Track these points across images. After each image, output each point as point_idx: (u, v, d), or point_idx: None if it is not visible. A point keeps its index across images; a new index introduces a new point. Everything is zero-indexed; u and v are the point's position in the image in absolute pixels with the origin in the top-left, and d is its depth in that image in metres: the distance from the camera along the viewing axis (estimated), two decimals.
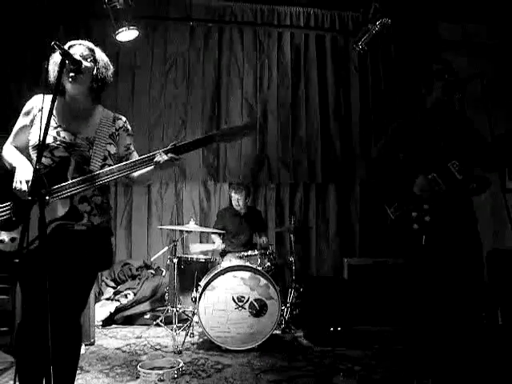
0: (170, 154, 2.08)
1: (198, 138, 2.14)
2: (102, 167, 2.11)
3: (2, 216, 2.00)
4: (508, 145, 2.53)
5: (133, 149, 2.35)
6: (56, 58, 2.05)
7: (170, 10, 5.41)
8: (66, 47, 2.06)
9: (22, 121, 2.17)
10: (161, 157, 2.07)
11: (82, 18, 5.11)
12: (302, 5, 5.64)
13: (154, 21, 5.38)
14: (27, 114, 2.15)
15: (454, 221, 2.58)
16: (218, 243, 4.90)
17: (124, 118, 2.34)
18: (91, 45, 2.20)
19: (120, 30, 4.46)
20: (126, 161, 2.16)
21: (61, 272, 1.98)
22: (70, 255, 2.04)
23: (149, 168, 2.16)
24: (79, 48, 2.13)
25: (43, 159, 2.02)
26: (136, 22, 4.52)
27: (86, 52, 2.13)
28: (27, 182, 1.94)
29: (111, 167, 2.10)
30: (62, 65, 1.87)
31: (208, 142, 2.14)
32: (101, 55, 2.21)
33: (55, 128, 2.09)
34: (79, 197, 2.06)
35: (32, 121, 2.13)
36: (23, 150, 2.15)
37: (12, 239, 1.98)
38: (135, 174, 2.23)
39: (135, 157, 2.28)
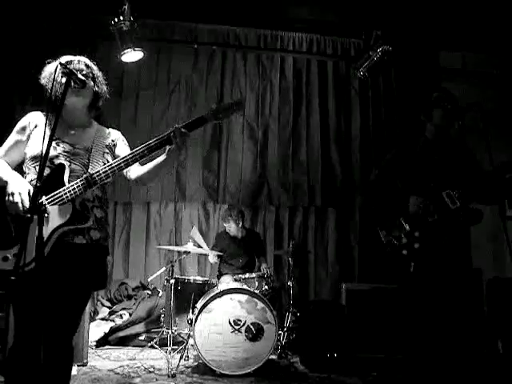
0: (183, 129, 2.10)
1: (190, 120, 2.18)
2: None
3: None
4: (506, 178, 2.53)
5: None
6: (51, 69, 2.08)
7: (175, 33, 5.50)
8: (62, 62, 2.08)
9: (16, 136, 2.18)
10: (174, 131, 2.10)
11: (88, 38, 5.19)
12: (305, 31, 5.73)
13: (158, 43, 5.47)
14: (22, 129, 2.17)
15: (444, 250, 2.58)
16: (212, 258, 4.84)
17: (119, 132, 2.38)
18: (88, 61, 2.23)
19: (125, 51, 4.53)
20: None
21: (55, 290, 1.96)
22: (67, 272, 2.01)
23: (154, 163, 2.19)
24: (78, 65, 2.14)
25: None
26: (141, 43, 4.60)
27: (86, 70, 2.16)
28: (20, 193, 1.93)
29: (109, 162, 2.13)
30: (67, 84, 1.91)
31: (202, 122, 2.18)
32: (97, 71, 2.24)
33: (54, 140, 2.09)
34: (80, 203, 2.06)
35: (28, 136, 2.14)
36: (13, 167, 2.15)
37: (4, 258, 1.91)
38: (141, 172, 2.24)
39: None
